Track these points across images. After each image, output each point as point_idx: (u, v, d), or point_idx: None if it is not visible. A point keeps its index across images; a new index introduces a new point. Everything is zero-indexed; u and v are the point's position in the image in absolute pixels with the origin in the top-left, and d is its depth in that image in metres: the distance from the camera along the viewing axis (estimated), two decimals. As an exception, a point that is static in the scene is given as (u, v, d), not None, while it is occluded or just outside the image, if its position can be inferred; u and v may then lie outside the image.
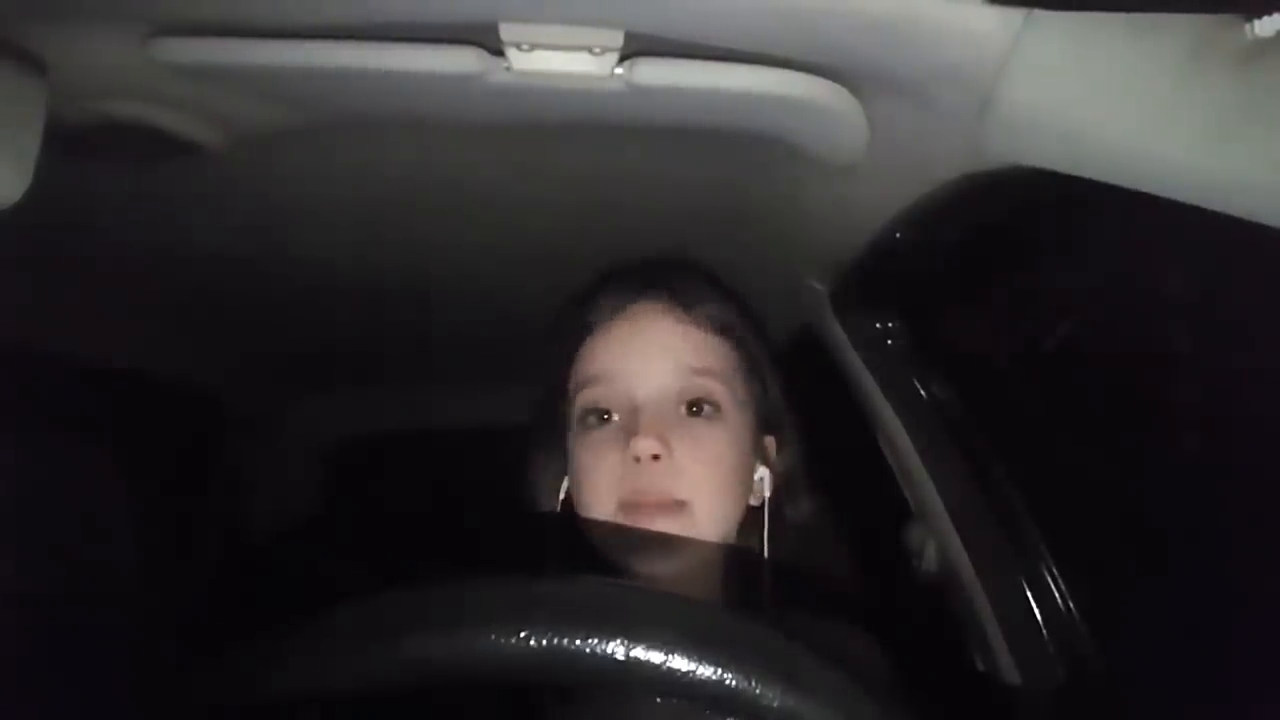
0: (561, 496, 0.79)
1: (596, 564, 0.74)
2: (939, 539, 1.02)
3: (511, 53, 0.59)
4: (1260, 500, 0.73)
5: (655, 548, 0.70)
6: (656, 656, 0.39)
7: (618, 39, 0.58)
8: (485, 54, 0.60)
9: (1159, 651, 0.83)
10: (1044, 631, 0.95)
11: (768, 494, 0.79)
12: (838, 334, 1.08)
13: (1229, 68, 0.45)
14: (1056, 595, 0.96)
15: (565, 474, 0.79)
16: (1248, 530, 0.75)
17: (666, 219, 0.96)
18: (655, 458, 0.71)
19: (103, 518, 0.78)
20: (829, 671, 0.41)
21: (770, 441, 0.83)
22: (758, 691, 0.39)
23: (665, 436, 0.72)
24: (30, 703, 0.69)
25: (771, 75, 0.63)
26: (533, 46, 0.59)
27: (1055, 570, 0.96)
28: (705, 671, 0.39)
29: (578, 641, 0.38)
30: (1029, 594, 0.96)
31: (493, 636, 0.39)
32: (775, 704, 0.39)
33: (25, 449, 0.88)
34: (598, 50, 0.59)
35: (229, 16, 0.58)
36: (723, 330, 0.80)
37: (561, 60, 0.60)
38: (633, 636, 0.39)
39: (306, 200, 0.88)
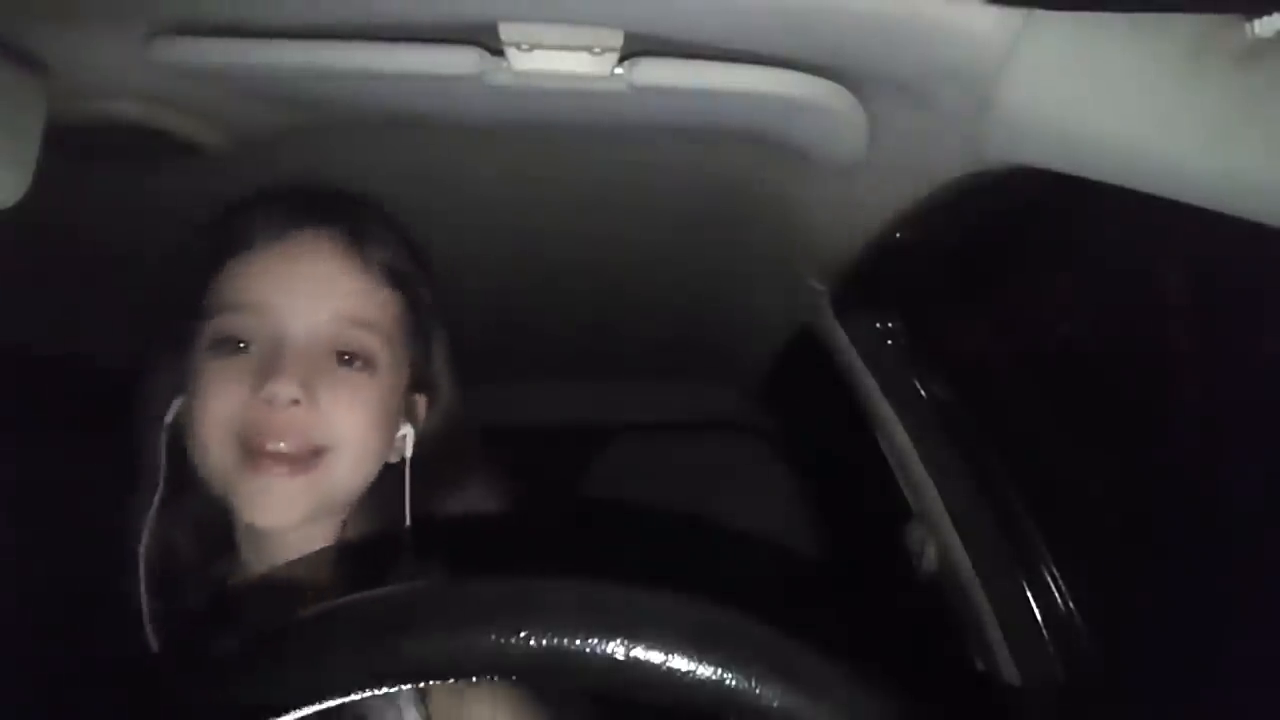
0: (169, 419, 0.72)
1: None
2: (939, 539, 1.02)
3: (511, 53, 0.59)
4: (1259, 500, 0.73)
5: (277, 496, 0.67)
6: (656, 656, 0.39)
7: (618, 39, 0.58)
8: (485, 54, 0.60)
9: (1159, 651, 0.83)
10: (1044, 631, 0.95)
11: (409, 454, 0.76)
12: (838, 334, 1.08)
13: (1229, 68, 0.45)
14: (1056, 595, 0.96)
15: (179, 395, 0.72)
16: (1247, 530, 0.75)
17: (666, 219, 0.96)
18: (295, 403, 0.66)
19: (103, 518, 0.78)
20: (830, 671, 0.40)
21: (420, 400, 0.79)
22: (758, 691, 0.39)
23: (310, 381, 0.67)
24: (32, 703, 0.69)
25: (771, 75, 0.63)
26: (533, 46, 0.59)
27: (1055, 570, 0.97)
28: (705, 671, 0.39)
29: (578, 641, 0.38)
30: (1029, 594, 0.96)
31: (492, 637, 0.39)
32: (775, 704, 0.39)
33: (25, 449, 0.88)
34: (598, 50, 0.59)
35: (229, 16, 0.58)
36: (395, 281, 0.75)
37: (561, 60, 0.60)
38: (633, 636, 0.39)
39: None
